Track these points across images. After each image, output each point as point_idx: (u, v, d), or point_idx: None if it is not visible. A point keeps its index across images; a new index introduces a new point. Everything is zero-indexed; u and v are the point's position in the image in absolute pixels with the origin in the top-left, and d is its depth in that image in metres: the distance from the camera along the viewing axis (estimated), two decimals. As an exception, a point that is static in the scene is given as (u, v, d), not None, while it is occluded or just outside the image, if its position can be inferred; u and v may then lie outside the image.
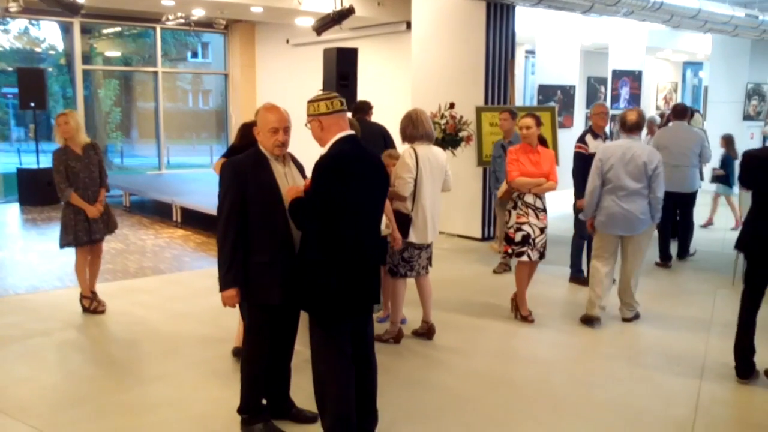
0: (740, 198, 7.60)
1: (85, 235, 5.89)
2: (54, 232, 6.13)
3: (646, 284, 7.00)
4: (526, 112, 6.15)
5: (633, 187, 5.58)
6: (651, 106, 18.47)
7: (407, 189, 5.05)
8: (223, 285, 3.58)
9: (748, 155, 4.83)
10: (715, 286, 7.06)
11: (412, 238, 5.14)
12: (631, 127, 5.72)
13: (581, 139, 6.85)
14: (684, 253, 8.29)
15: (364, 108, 6.99)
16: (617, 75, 14.79)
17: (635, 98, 14.88)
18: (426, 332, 5.42)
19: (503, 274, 7.36)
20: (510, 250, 5.84)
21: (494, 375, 4.77)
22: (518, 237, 5.72)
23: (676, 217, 8.21)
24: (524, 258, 5.75)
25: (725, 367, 4.87)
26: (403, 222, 5.10)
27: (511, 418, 4.10)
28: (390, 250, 5.17)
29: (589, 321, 5.78)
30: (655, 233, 7.57)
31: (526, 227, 5.71)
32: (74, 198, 5.78)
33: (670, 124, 8.36)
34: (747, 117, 14.07)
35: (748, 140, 13.94)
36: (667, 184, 7.69)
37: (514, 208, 5.79)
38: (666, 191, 7.20)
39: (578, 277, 7.03)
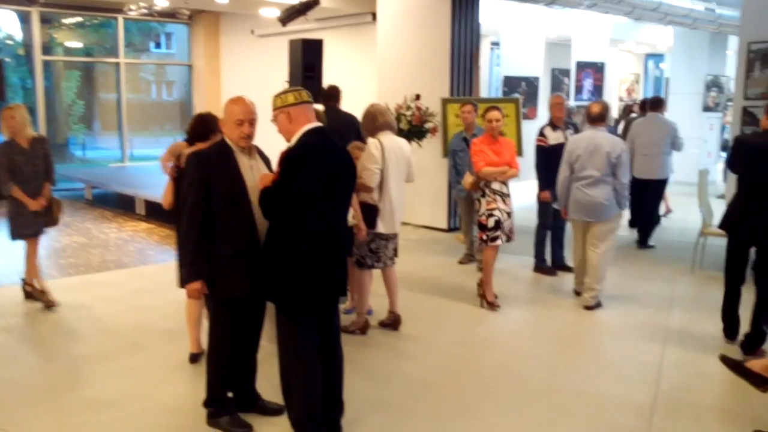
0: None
1: (27, 228, 5.91)
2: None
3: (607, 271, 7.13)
4: (491, 105, 6.22)
5: (597, 175, 5.83)
6: (614, 97, 18.72)
7: (374, 180, 5.07)
8: (188, 277, 3.57)
9: (739, 141, 5.13)
10: (676, 273, 7.21)
11: (380, 228, 5.16)
12: (595, 119, 5.98)
13: (541, 132, 6.97)
14: (644, 240, 8.53)
15: (335, 95, 6.79)
16: (581, 66, 14.96)
17: (598, 90, 15.08)
18: (392, 323, 5.45)
19: (469, 264, 7.43)
20: (485, 237, 5.95)
21: (460, 363, 4.82)
22: (491, 223, 5.89)
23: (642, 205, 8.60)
24: (498, 242, 5.94)
25: (684, 354, 5.01)
26: (371, 212, 5.12)
27: (477, 406, 4.15)
28: (356, 241, 5.19)
29: (578, 294, 6.30)
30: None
31: (496, 212, 5.90)
32: (15, 191, 5.79)
33: (647, 114, 8.83)
34: (706, 108, 14.35)
35: (707, 131, 14.24)
36: (639, 172, 8.39)
37: (483, 196, 5.94)
38: (638, 178, 8.12)
39: (542, 266, 7.14)
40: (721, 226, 5.10)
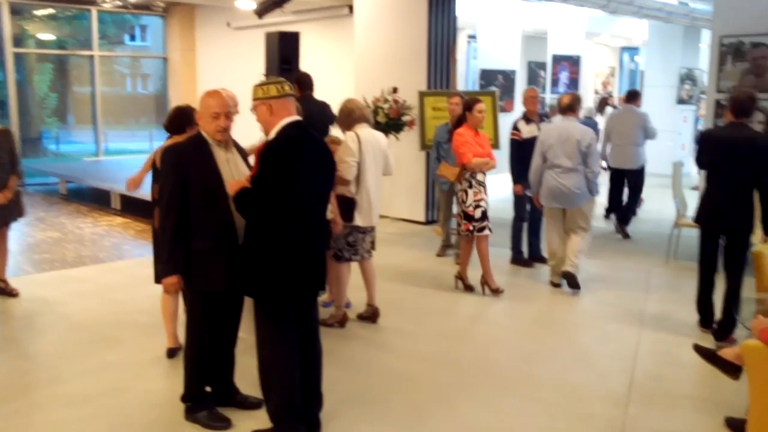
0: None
1: None
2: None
3: (582, 262, 7.21)
4: (475, 98, 6.29)
5: (568, 165, 6.08)
6: (589, 90, 18.85)
7: (351, 172, 5.07)
8: (165, 272, 3.55)
9: (706, 134, 5.29)
10: (651, 264, 7.29)
11: (358, 221, 5.17)
12: (565, 109, 6.26)
13: (514, 126, 7.03)
14: (623, 225, 8.80)
15: (308, 82, 6.54)
16: (557, 60, 15.06)
17: (574, 83, 15.19)
18: (370, 316, 5.47)
19: (446, 257, 7.46)
20: (471, 227, 6.02)
21: (438, 355, 4.85)
22: (478, 213, 6.01)
23: (622, 194, 8.97)
24: (486, 232, 6.07)
25: (659, 344, 5.09)
26: (348, 205, 5.12)
27: (455, 397, 4.18)
28: (334, 234, 5.19)
29: (555, 285, 6.43)
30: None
31: (482, 203, 6.03)
32: None
33: (623, 106, 9.26)
34: (680, 101, 14.50)
35: (681, 123, 14.39)
36: (615, 162, 8.86)
37: (470, 187, 6.01)
38: (614, 168, 8.71)
39: (519, 258, 7.19)
40: (696, 219, 5.20)
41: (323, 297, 5.75)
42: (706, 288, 5.22)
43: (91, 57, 14.60)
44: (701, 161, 5.21)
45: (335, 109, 5.58)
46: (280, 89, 3.43)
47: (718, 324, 5.09)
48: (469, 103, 6.08)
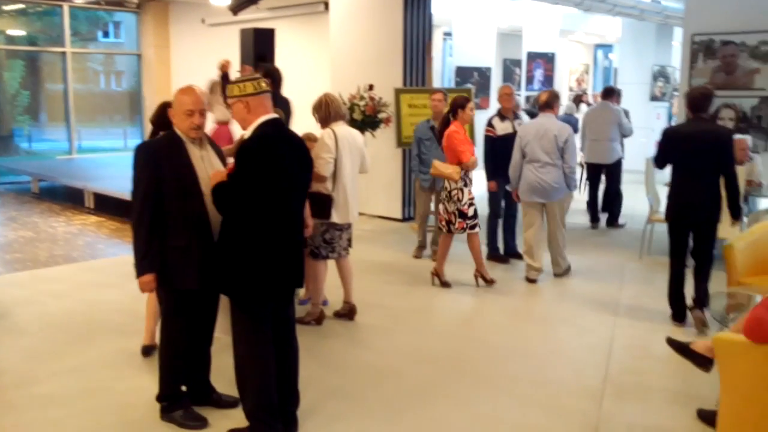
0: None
1: None
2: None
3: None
4: (466, 95, 6.44)
5: (546, 160, 6.26)
6: (564, 87, 18.99)
7: (328, 169, 5.06)
8: (140, 270, 3.52)
9: (668, 132, 5.34)
10: (625, 259, 7.38)
11: (335, 218, 5.16)
12: (542, 106, 6.47)
13: (489, 122, 7.07)
14: (613, 220, 9.10)
15: (278, 78, 6.20)
16: (531, 57, 15.16)
17: (549, 80, 15.30)
18: (347, 313, 5.46)
19: (423, 258, 7.46)
20: (465, 225, 6.10)
21: (414, 351, 4.86)
22: (471, 211, 6.14)
23: (598, 189, 9.22)
24: (477, 229, 6.19)
25: (633, 338, 5.15)
26: (324, 203, 5.10)
27: (431, 393, 4.20)
28: (312, 232, 5.18)
29: (530, 281, 6.51)
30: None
31: (474, 201, 6.16)
32: None
33: (599, 103, 9.45)
34: (653, 98, 14.67)
35: (654, 120, 14.56)
36: (592, 156, 9.13)
37: (465, 185, 6.09)
38: (591, 163, 9.01)
39: (495, 254, 7.23)
40: (667, 215, 5.31)
41: (300, 294, 5.74)
42: (677, 282, 5.32)
43: (63, 54, 14.40)
44: (664, 159, 5.29)
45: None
46: (257, 86, 3.41)
47: (695, 301, 5.30)
48: (462, 100, 6.15)
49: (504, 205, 7.15)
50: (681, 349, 3.67)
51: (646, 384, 4.36)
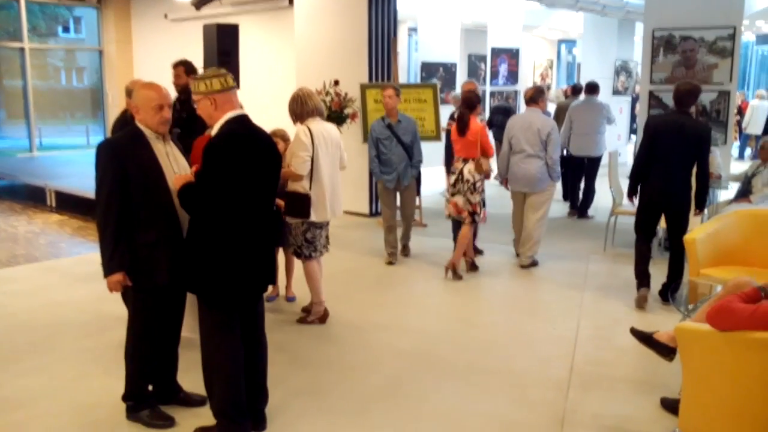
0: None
1: None
2: None
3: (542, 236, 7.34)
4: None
5: (530, 151, 6.59)
6: (528, 82, 19.15)
7: (304, 168, 4.95)
8: (108, 270, 3.45)
9: (653, 123, 5.60)
10: (589, 251, 7.47)
11: (313, 217, 5.06)
12: (528, 101, 6.85)
13: (451, 116, 7.16)
14: (583, 213, 9.36)
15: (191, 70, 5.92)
16: (496, 53, 15.22)
17: (513, 75, 15.40)
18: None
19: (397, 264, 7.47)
20: (477, 218, 6.43)
21: (383, 347, 4.87)
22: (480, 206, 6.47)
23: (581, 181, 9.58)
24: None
25: (597, 329, 5.23)
26: (302, 202, 5.00)
27: (400, 387, 4.22)
28: (294, 231, 5.12)
29: (524, 267, 6.82)
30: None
31: None
32: None
33: (584, 98, 9.68)
34: (616, 92, 14.87)
35: (617, 114, 14.75)
36: (577, 150, 9.43)
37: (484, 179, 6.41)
38: (575, 156, 9.34)
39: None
40: (641, 200, 5.64)
41: (267, 291, 5.71)
42: (643, 261, 5.67)
43: (22, 49, 14.10)
44: (650, 149, 5.48)
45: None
46: (224, 82, 3.37)
47: (663, 286, 5.69)
48: (477, 97, 6.51)
49: None
50: (644, 339, 3.73)
51: (610, 374, 4.44)
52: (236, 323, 3.47)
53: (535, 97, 6.76)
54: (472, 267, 6.69)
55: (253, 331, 3.60)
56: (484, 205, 6.45)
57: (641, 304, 5.59)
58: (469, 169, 6.23)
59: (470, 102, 6.39)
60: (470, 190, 6.26)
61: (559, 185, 9.23)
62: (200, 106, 3.40)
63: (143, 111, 3.51)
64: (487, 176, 6.35)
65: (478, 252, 7.21)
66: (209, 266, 3.32)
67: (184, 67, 6.03)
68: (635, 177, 5.63)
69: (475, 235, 6.98)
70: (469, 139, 6.22)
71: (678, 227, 5.51)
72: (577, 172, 9.56)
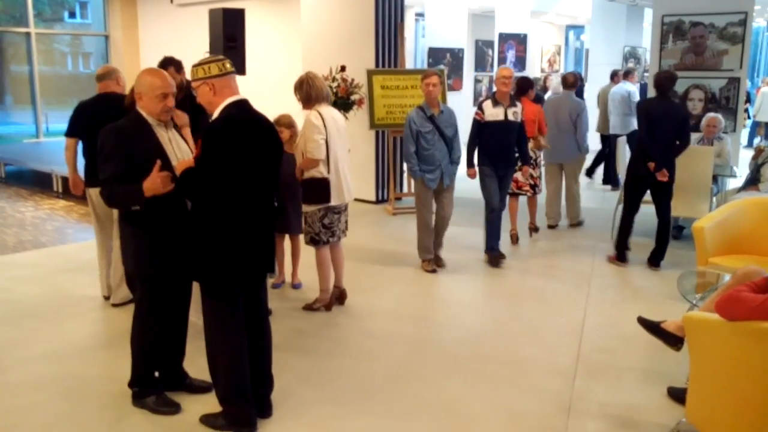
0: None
1: None
2: None
3: (530, 241, 7.33)
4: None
5: (564, 128, 7.65)
6: (536, 68, 19.03)
7: (321, 151, 4.87)
8: (137, 198, 3.37)
9: (645, 107, 6.26)
10: (596, 239, 7.44)
11: (333, 201, 5.01)
12: (569, 85, 7.82)
13: (479, 105, 6.38)
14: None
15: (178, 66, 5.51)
16: (503, 38, 15.13)
17: (521, 61, 15.30)
18: (338, 297, 5.39)
19: (399, 228, 7.45)
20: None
21: (389, 334, 4.87)
22: None
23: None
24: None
25: (604, 318, 5.20)
26: (322, 186, 4.94)
27: (406, 375, 4.21)
28: (309, 219, 5.08)
29: (551, 227, 7.92)
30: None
31: None
32: None
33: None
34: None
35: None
36: (603, 129, 10.32)
37: None
38: (611, 134, 9.91)
39: (496, 253, 6.55)
40: (635, 171, 6.24)
41: (273, 279, 5.71)
42: (626, 231, 6.45)
43: (28, 34, 14.08)
44: (646, 128, 6.15)
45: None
46: (221, 67, 3.35)
47: (652, 253, 6.38)
48: (528, 84, 7.36)
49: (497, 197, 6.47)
50: (652, 328, 3.71)
51: (617, 363, 4.42)
52: (239, 310, 3.46)
53: (574, 82, 7.86)
54: (535, 230, 7.53)
55: (257, 318, 3.60)
56: (540, 177, 7.43)
57: (613, 261, 6.52)
58: (530, 146, 6.86)
59: (523, 86, 7.29)
60: (534, 165, 7.11)
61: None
62: (199, 93, 3.38)
63: (147, 98, 3.49)
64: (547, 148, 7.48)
65: (535, 230, 7.57)
66: (209, 252, 3.31)
67: (173, 67, 5.97)
68: (644, 153, 6.14)
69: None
70: (529, 118, 6.87)
71: (665, 199, 6.22)
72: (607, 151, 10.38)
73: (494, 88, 6.45)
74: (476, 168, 6.40)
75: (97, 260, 5.48)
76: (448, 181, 6.17)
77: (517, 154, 6.55)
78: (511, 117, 6.28)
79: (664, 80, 6.19)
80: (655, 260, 6.34)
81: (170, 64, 5.73)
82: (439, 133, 6.05)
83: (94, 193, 5.19)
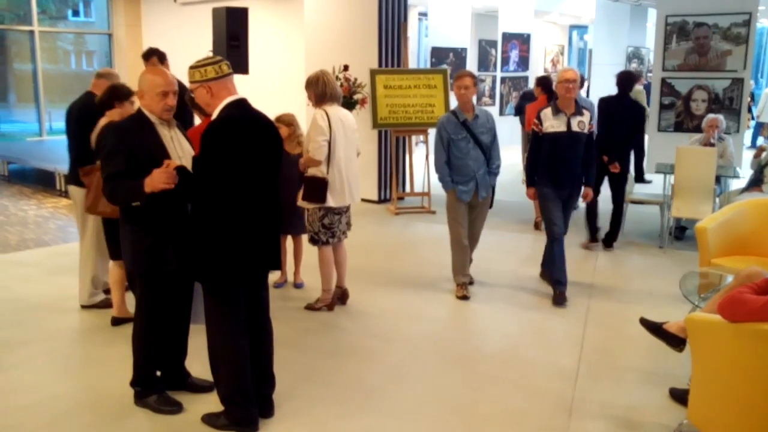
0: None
1: None
2: None
3: (530, 241, 7.31)
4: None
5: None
6: (539, 68, 19.01)
7: (322, 152, 4.89)
8: (139, 192, 3.35)
9: (605, 104, 6.89)
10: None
11: (330, 202, 5.00)
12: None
13: (537, 115, 5.51)
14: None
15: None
16: (507, 38, 15.12)
17: (524, 61, 15.29)
18: (340, 297, 5.39)
19: (402, 228, 7.45)
20: None
21: (390, 333, 4.87)
22: None
23: None
24: None
25: (606, 318, 5.19)
26: (319, 186, 4.96)
27: (407, 374, 4.21)
28: (310, 218, 5.09)
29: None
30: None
31: None
32: None
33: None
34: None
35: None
36: None
37: None
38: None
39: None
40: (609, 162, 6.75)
41: (276, 278, 5.72)
42: (592, 213, 7.13)
43: (32, 32, 14.09)
44: (604, 124, 6.76)
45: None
46: (218, 70, 3.35)
47: (606, 235, 7.06)
48: (549, 80, 7.80)
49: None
50: (654, 329, 3.70)
51: (619, 364, 4.42)
52: (241, 309, 3.46)
53: (581, 82, 7.80)
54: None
55: (259, 317, 3.60)
56: None
57: (587, 247, 7.10)
58: None
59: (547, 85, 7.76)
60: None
61: None
62: (197, 95, 3.39)
63: (148, 96, 3.49)
64: None
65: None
66: (210, 252, 3.31)
67: (155, 57, 6.01)
68: (599, 149, 6.53)
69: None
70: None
71: (618, 187, 6.92)
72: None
73: (497, 89, 6.43)
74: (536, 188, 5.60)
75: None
76: (484, 193, 5.50)
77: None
78: (575, 128, 5.37)
79: (625, 79, 6.81)
80: (608, 242, 7.05)
81: (153, 54, 5.80)
82: (474, 140, 5.41)
83: (75, 191, 5.19)
